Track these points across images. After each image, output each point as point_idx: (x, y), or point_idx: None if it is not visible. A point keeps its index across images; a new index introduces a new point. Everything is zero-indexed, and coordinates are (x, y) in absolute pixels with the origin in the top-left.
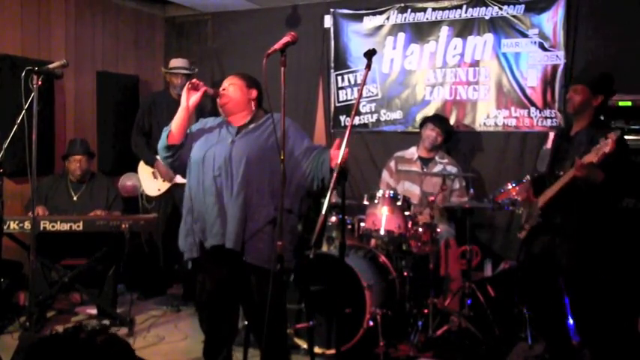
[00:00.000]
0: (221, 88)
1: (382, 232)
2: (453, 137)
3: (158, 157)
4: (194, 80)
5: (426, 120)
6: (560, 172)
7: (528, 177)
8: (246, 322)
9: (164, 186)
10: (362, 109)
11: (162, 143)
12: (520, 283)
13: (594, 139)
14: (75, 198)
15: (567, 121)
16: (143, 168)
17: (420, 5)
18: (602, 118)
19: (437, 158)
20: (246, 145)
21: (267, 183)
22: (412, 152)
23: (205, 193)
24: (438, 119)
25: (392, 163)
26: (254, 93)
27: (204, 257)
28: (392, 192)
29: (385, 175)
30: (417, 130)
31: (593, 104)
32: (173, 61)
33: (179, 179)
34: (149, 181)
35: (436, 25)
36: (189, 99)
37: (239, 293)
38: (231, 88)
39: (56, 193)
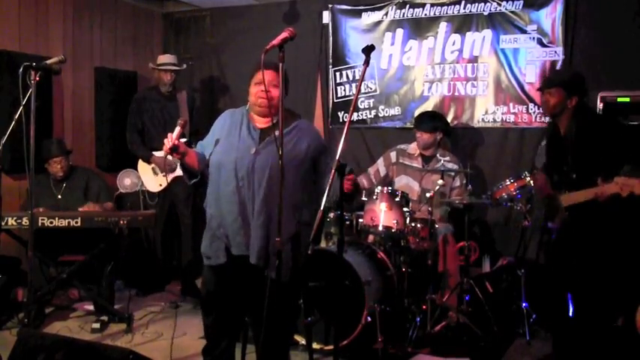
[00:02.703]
0: (261, 89)
1: (380, 228)
2: (452, 133)
3: (154, 152)
4: (167, 149)
5: (414, 125)
6: (572, 175)
7: (527, 173)
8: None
9: (165, 181)
10: (360, 105)
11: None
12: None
13: (583, 138)
14: (59, 196)
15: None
16: (143, 165)
17: (418, 1)
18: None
19: (438, 155)
20: (270, 156)
21: (290, 196)
22: (414, 148)
23: (227, 201)
24: (425, 123)
25: (392, 154)
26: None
27: (228, 262)
28: (390, 188)
29: (380, 161)
30: None
31: (569, 105)
32: (161, 57)
33: (179, 172)
34: (150, 178)
35: (435, 20)
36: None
37: (250, 297)
38: (275, 91)
39: (41, 193)
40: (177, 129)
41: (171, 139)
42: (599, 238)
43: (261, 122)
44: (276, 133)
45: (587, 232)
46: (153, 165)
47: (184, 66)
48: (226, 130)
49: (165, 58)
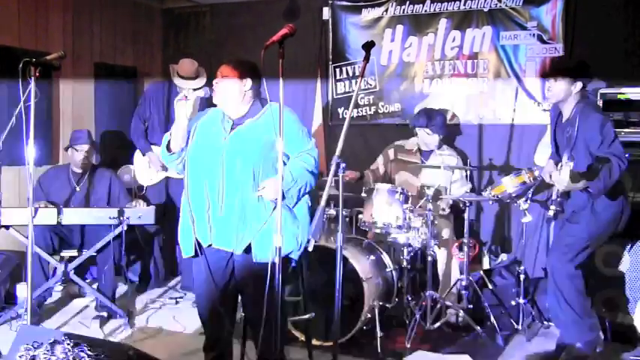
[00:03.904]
0: (214, 82)
1: (380, 225)
2: (452, 130)
3: (153, 146)
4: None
5: (420, 124)
6: (568, 161)
7: (527, 169)
8: (243, 314)
9: (157, 176)
10: (360, 102)
11: (163, 153)
12: None
13: (581, 133)
14: (77, 188)
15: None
16: (138, 156)
17: None
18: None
19: (437, 150)
20: (241, 144)
21: (262, 181)
22: (412, 143)
23: (201, 193)
24: (432, 121)
25: (390, 151)
26: (248, 83)
27: (202, 255)
28: (390, 185)
29: (380, 159)
30: None
31: (573, 92)
32: (184, 64)
33: (171, 173)
34: (144, 170)
35: (435, 17)
36: (182, 111)
37: (237, 288)
38: (221, 84)
39: (58, 184)
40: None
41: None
42: (596, 232)
43: (233, 114)
44: (246, 121)
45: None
46: (148, 158)
47: (204, 92)
48: (207, 123)
49: (187, 68)
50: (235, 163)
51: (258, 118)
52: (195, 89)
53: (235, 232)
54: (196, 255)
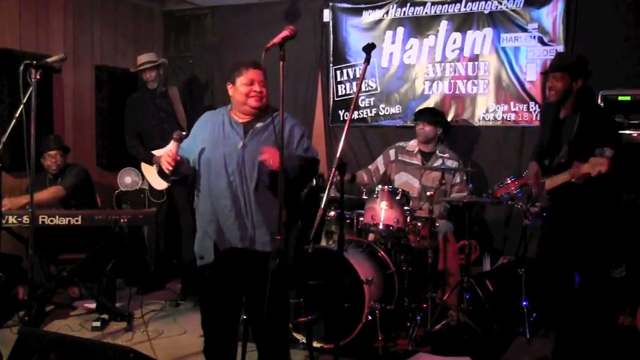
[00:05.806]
0: (254, 90)
1: (381, 227)
2: (452, 131)
3: (154, 152)
4: (166, 168)
5: (416, 118)
6: (561, 160)
7: (526, 172)
8: (244, 317)
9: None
10: (361, 104)
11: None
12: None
13: (584, 127)
14: None
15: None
16: (146, 166)
17: None
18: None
19: (438, 152)
20: (257, 147)
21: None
22: (414, 145)
23: (219, 196)
24: (427, 115)
25: (392, 152)
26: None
27: (218, 259)
28: (391, 186)
29: (379, 159)
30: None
31: (574, 88)
32: (140, 58)
33: None
34: (156, 176)
35: (435, 19)
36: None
37: (244, 290)
38: (265, 91)
39: (37, 189)
40: (175, 144)
41: (173, 157)
42: (586, 233)
43: (242, 118)
44: (258, 125)
45: (573, 226)
46: (155, 165)
47: (162, 60)
48: (209, 129)
49: (143, 58)
50: (256, 168)
51: (271, 122)
52: (152, 62)
53: (264, 236)
54: (214, 262)
